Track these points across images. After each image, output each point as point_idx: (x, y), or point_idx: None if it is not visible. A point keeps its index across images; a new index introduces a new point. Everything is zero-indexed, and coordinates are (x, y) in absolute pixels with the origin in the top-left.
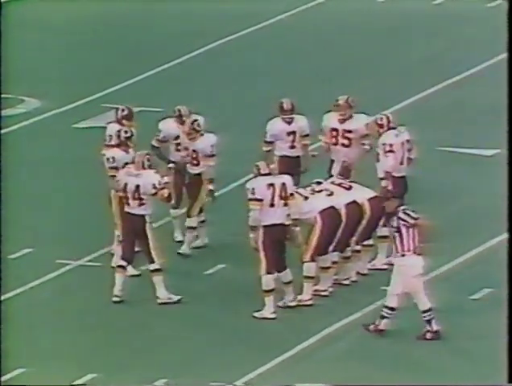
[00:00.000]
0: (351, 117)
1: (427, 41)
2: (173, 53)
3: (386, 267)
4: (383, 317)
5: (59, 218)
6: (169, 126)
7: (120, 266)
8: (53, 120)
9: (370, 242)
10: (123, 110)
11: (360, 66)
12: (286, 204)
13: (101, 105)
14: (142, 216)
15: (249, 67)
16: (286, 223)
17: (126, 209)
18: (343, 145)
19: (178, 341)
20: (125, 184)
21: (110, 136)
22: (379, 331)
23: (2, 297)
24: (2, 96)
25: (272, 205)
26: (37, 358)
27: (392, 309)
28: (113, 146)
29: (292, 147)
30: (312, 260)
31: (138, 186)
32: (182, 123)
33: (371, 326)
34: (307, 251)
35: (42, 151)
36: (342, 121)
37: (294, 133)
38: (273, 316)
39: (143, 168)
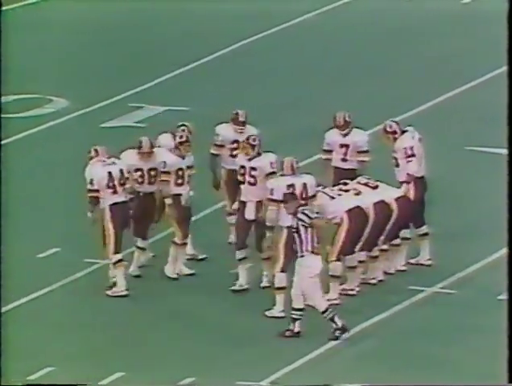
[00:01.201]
0: (259, 154)
1: (455, 40)
2: (199, 52)
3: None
4: (294, 319)
5: (86, 217)
6: (227, 130)
7: (120, 260)
8: (81, 119)
9: (398, 241)
10: (181, 136)
11: (386, 65)
12: (307, 204)
13: (128, 105)
14: (127, 203)
15: (275, 67)
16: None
17: (114, 200)
18: (249, 183)
19: (204, 340)
20: (109, 173)
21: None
22: (296, 334)
23: (31, 297)
24: (31, 96)
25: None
26: (65, 356)
27: (299, 309)
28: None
29: (344, 160)
30: (338, 259)
31: (121, 171)
32: (239, 124)
33: (287, 332)
34: (333, 250)
35: (70, 150)
36: (249, 159)
37: (347, 146)
38: (282, 315)
39: (109, 156)
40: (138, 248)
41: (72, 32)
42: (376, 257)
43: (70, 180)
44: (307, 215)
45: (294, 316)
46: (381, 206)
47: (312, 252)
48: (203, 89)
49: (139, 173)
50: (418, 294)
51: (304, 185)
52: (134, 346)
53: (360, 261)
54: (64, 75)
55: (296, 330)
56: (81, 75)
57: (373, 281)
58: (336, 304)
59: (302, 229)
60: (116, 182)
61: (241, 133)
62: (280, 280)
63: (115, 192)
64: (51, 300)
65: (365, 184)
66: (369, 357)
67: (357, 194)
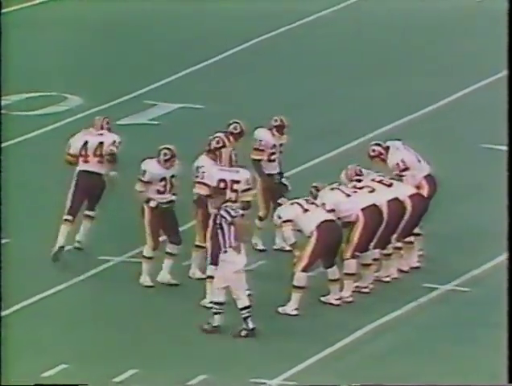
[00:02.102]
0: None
1: (470, 39)
2: (213, 50)
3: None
4: (214, 313)
5: (101, 214)
6: (267, 135)
7: (67, 220)
8: (95, 117)
9: (411, 239)
10: (218, 142)
11: (400, 64)
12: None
13: (143, 102)
14: (101, 175)
15: (289, 65)
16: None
17: (83, 168)
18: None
19: (217, 337)
20: (85, 142)
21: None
22: (215, 328)
23: (45, 294)
24: (45, 94)
25: (306, 211)
26: (79, 354)
27: (220, 303)
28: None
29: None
30: (353, 257)
31: (101, 143)
32: (282, 133)
33: (206, 326)
34: (348, 248)
35: None
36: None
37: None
38: (295, 313)
39: (102, 129)
40: (168, 253)
41: (87, 30)
42: (389, 255)
43: None
44: (228, 212)
45: (214, 310)
46: (395, 203)
47: (234, 249)
48: (218, 87)
49: (163, 182)
50: (432, 292)
51: (306, 200)
52: (148, 343)
53: (374, 259)
54: (78, 73)
55: (216, 323)
56: (96, 72)
57: (387, 279)
58: (350, 301)
59: (225, 226)
60: (90, 152)
61: (278, 138)
62: (301, 280)
63: (86, 161)
64: (65, 297)
65: (380, 181)
66: (382, 355)
67: (371, 191)
